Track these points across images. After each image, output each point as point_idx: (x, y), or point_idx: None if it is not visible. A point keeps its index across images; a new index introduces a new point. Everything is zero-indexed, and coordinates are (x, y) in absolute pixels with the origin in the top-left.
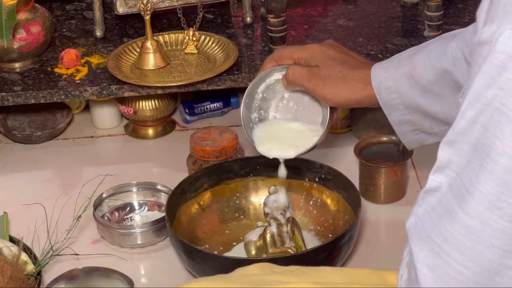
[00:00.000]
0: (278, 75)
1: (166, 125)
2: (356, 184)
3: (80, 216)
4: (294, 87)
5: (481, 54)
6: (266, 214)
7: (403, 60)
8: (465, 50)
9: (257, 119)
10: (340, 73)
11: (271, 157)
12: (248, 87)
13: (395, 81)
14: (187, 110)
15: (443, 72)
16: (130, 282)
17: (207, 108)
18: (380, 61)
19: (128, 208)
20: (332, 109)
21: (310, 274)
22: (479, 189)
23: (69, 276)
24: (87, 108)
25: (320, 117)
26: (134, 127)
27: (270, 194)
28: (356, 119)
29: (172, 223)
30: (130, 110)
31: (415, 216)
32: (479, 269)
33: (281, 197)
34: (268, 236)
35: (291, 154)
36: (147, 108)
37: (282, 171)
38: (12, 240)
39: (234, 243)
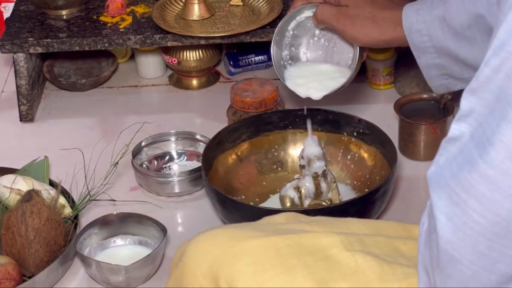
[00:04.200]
0: (308, 13)
1: (210, 76)
2: (396, 140)
3: (117, 163)
4: (323, 26)
5: (507, 2)
6: (301, 167)
7: (435, 2)
8: None
9: (288, 56)
10: (370, 13)
11: (299, 94)
12: (278, 25)
13: (426, 23)
14: (231, 62)
15: (476, 17)
16: (163, 230)
17: (251, 60)
18: (411, 2)
19: (167, 157)
20: (362, 49)
21: (335, 224)
22: (500, 138)
23: (104, 221)
24: (132, 57)
25: (351, 54)
26: (178, 78)
27: (306, 146)
28: (400, 76)
29: (208, 173)
30: (174, 60)
31: (436, 164)
32: (497, 219)
33: (317, 150)
34: (303, 189)
35: (319, 94)
36: (192, 59)
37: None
38: (52, 184)
39: (271, 195)
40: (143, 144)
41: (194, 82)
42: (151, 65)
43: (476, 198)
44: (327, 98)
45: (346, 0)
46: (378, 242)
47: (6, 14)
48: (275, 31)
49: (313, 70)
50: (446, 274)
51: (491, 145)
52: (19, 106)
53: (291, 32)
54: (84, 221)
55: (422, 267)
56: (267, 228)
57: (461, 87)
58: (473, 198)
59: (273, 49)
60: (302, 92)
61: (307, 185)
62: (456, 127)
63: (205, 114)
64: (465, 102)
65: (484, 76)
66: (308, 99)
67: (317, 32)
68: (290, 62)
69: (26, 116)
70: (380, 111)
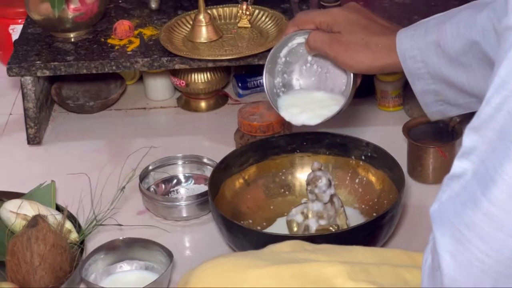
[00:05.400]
0: (300, 39)
1: (219, 99)
2: (405, 163)
3: (124, 187)
4: (316, 53)
5: (508, 40)
6: (309, 191)
7: (430, 28)
8: (495, 21)
9: (280, 84)
10: (363, 40)
11: (293, 123)
12: (270, 53)
13: (421, 50)
14: (240, 84)
15: (472, 43)
16: (169, 254)
17: (260, 82)
18: (404, 27)
19: (174, 181)
20: (355, 75)
21: (340, 253)
22: (503, 177)
23: (109, 246)
24: (141, 79)
25: (345, 79)
26: (186, 100)
27: (313, 171)
28: (409, 98)
29: (215, 197)
30: (182, 83)
31: (439, 202)
32: (501, 258)
33: (324, 174)
34: (310, 213)
35: (312, 122)
36: (200, 81)
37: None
38: (58, 208)
39: (278, 219)
40: (150, 168)
41: (203, 104)
42: (159, 87)
43: (479, 237)
44: (335, 121)
45: (338, 26)
46: (383, 271)
47: (15, 36)
48: (267, 59)
49: (306, 98)
50: None
51: (494, 184)
52: (26, 129)
53: (283, 59)
54: (90, 246)
55: None
56: (271, 257)
57: (456, 113)
58: (476, 237)
59: (265, 77)
60: (296, 122)
61: (314, 209)
62: (459, 164)
63: (213, 137)
64: (467, 140)
65: (485, 114)
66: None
67: (309, 58)
68: (283, 89)
69: (34, 139)
70: (389, 133)
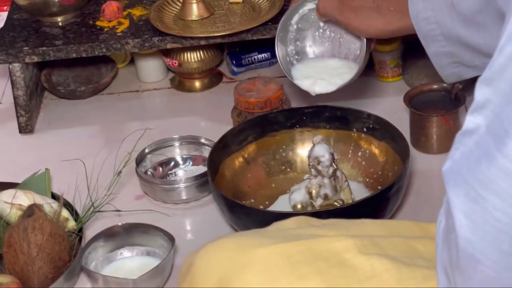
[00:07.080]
0: (311, 5)
1: (213, 78)
2: (408, 134)
3: (120, 172)
4: (327, 19)
5: None
6: (311, 167)
7: None
8: None
9: (293, 52)
10: (374, 3)
11: (309, 91)
12: (281, 21)
13: (434, 10)
14: (234, 62)
15: (486, 1)
16: (171, 238)
17: (254, 59)
18: None
19: (172, 163)
20: (369, 40)
21: (348, 226)
22: None
23: (108, 233)
24: (132, 62)
25: (358, 44)
26: (180, 80)
27: (314, 145)
28: (408, 67)
29: (215, 177)
30: (175, 63)
31: (451, 159)
32: None
33: (326, 148)
34: (313, 189)
35: (328, 89)
36: (193, 60)
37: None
38: (54, 196)
39: (280, 196)
40: (146, 151)
41: (197, 84)
42: (151, 69)
43: (496, 194)
44: (334, 93)
45: None
46: (394, 243)
47: (0, 24)
48: (278, 27)
49: (320, 67)
50: (467, 275)
51: (509, 138)
52: (17, 117)
53: (295, 26)
54: (89, 233)
55: (441, 267)
56: (276, 234)
57: (473, 75)
58: (492, 194)
59: (277, 46)
60: (310, 90)
61: (317, 185)
62: (471, 119)
63: (209, 116)
64: (480, 93)
65: (499, 65)
66: (316, 96)
67: (322, 24)
68: (296, 57)
69: (25, 128)
70: (390, 104)
